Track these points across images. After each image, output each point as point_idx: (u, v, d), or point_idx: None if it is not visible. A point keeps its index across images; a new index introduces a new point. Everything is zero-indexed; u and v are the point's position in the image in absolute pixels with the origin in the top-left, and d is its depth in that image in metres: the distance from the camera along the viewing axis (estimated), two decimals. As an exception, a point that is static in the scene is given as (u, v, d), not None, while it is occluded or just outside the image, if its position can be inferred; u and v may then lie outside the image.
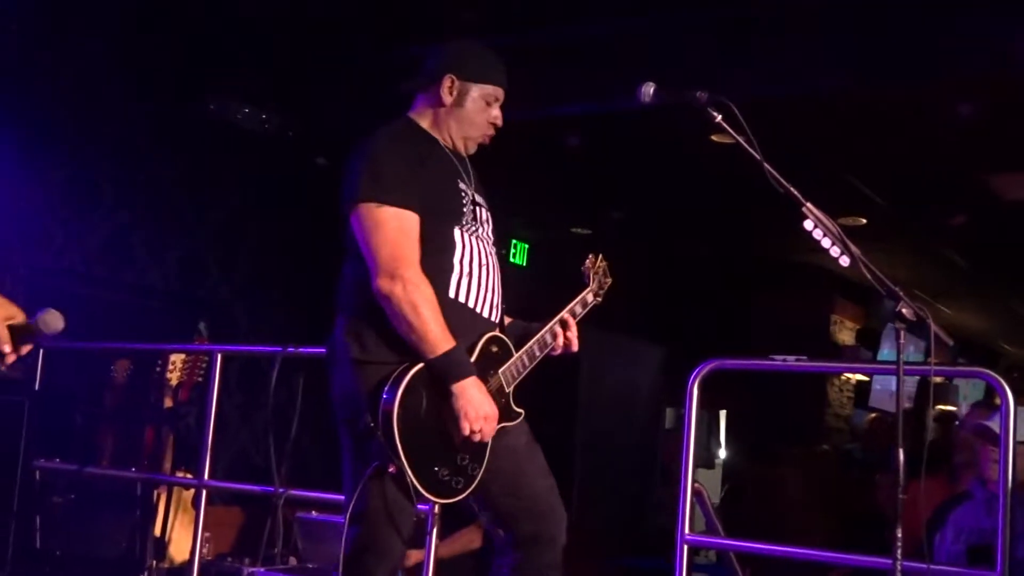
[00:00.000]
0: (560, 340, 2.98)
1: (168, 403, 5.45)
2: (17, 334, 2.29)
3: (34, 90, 6.09)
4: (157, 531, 5.25)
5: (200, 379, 5.34)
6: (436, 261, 2.75)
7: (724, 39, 5.51)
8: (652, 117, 3.71)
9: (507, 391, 2.83)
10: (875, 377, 10.96)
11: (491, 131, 2.97)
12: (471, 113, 2.92)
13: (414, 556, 3.93)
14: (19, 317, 2.29)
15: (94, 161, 6.56)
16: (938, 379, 8.88)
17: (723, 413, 10.79)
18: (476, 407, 2.65)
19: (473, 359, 2.74)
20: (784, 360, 3.61)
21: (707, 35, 5.56)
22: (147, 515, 5.27)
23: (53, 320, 2.31)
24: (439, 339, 2.63)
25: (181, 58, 6.44)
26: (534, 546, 2.85)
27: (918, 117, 5.96)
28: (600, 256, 3.24)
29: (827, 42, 5.41)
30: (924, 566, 2.70)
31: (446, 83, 2.90)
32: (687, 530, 3.53)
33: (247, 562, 4.39)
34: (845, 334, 11.02)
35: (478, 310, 2.83)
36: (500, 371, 2.82)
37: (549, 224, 8.62)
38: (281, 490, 4.34)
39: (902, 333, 2.52)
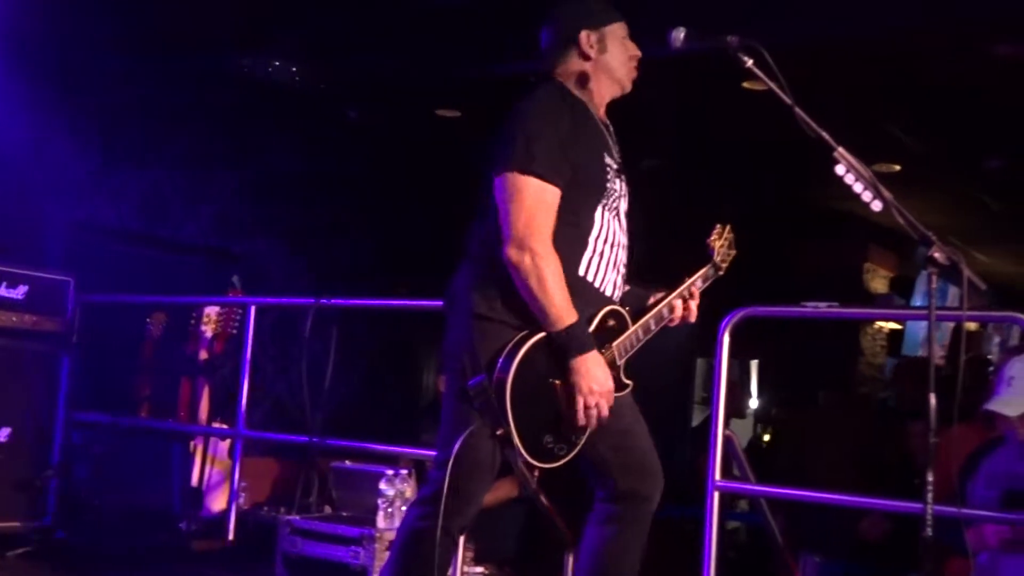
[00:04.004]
0: (679, 313, 3.01)
1: (203, 355, 5.51)
2: None
3: (70, 46, 6.11)
4: (194, 481, 5.33)
5: (234, 331, 5.40)
6: (572, 235, 2.78)
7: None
8: (685, 62, 3.68)
9: (618, 363, 2.85)
10: (908, 326, 10.89)
11: (636, 63, 2.98)
12: (617, 55, 2.94)
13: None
14: None
15: (128, 117, 6.59)
16: (972, 327, 8.81)
17: (754, 363, 10.78)
18: (593, 383, 2.68)
19: (590, 331, 2.77)
20: (815, 307, 3.61)
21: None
22: (184, 466, 5.35)
23: None
24: (562, 313, 2.66)
25: (213, 12, 6.43)
26: (632, 501, 2.92)
27: (954, 60, 5.87)
28: (727, 227, 3.23)
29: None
30: (955, 510, 2.70)
31: (583, 39, 2.91)
32: (718, 477, 3.55)
33: (282, 511, 4.44)
34: (879, 282, 10.93)
35: (602, 289, 2.86)
36: (615, 344, 2.84)
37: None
38: (316, 440, 4.40)
39: (934, 277, 2.51)
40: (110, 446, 5.42)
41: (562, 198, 2.74)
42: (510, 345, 2.67)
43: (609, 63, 2.93)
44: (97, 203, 6.43)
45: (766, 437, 9.49)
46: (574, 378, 2.68)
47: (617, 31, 2.95)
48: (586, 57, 2.92)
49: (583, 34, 2.90)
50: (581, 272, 2.80)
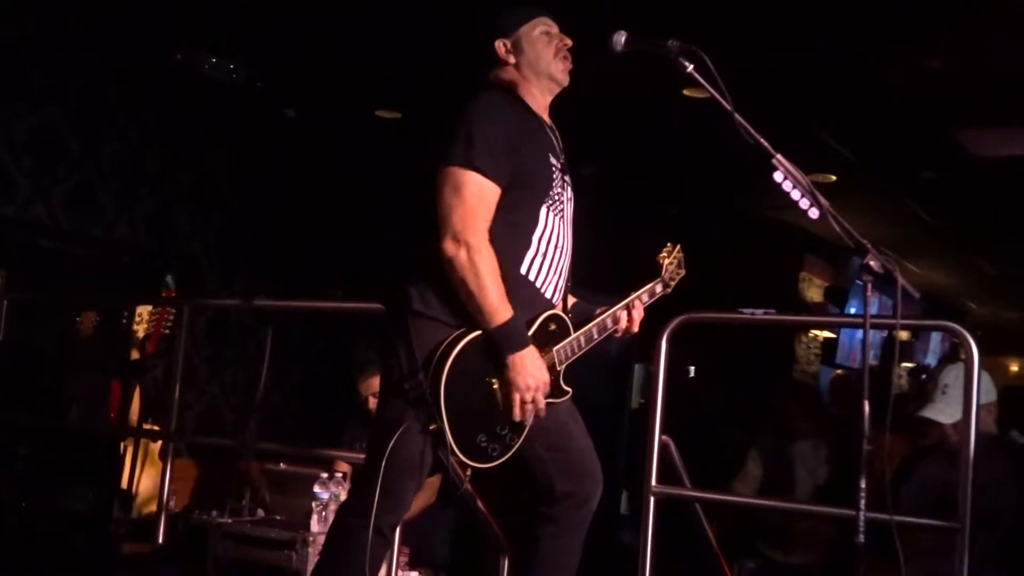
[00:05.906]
0: (622, 324, 3.02)
1: (135, 355, 5.42)
2: None
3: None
4: (124, 484, 5.24)
5: (167, 331, 5.31)
6: (515, 234, 2.78)
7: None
8: (623, 68, 3.69)
9: (558, 369, 2.86)
10: (841, 335, 11.04)
11: (565, 53, 2.97)
12: (537, 50, 2.94)
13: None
14: None
15: (59, 112, 6.46)
16: (905, 335, 8.95)
17: (691, 370, 10.86)
18: (529, 378, 2.67)
19: (531, 333, 2.76)
20: (752, 313, 3.63)
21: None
22: (114, 468, 5.25)
23: None
24: (497, 308, 2.65)
25: (147, 7, 6.33)
26: (570, 502, 2.92)
27: (887, 72, 5.95)
28: (678, 247, 3.25)
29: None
30: (888, 517, 2.72)
31: (500, 49, 2.95)
32: (654, 482, 3.55)
33: (214, 514, 4.37)
34: (813, 292, 11.07)
35: (542, 290, 2.85)
36: (555, 348, 2.84)
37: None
38: (249, 442, 4.34)
39: (869, 286, 2.53)
40: (37, 447, 5.31)
41: (506, 197, 2.74)
42: (446, 342, 2.66)
43: (532, 62, 2.94)
44: (26, 200, 6.29)
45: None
46: (510, 375, 2.67)
47: (534, 28, 2.96)
48: (507, 64, 2.95)
49: (497, 44, 2.95)
50: (523, 271, 2.80)
